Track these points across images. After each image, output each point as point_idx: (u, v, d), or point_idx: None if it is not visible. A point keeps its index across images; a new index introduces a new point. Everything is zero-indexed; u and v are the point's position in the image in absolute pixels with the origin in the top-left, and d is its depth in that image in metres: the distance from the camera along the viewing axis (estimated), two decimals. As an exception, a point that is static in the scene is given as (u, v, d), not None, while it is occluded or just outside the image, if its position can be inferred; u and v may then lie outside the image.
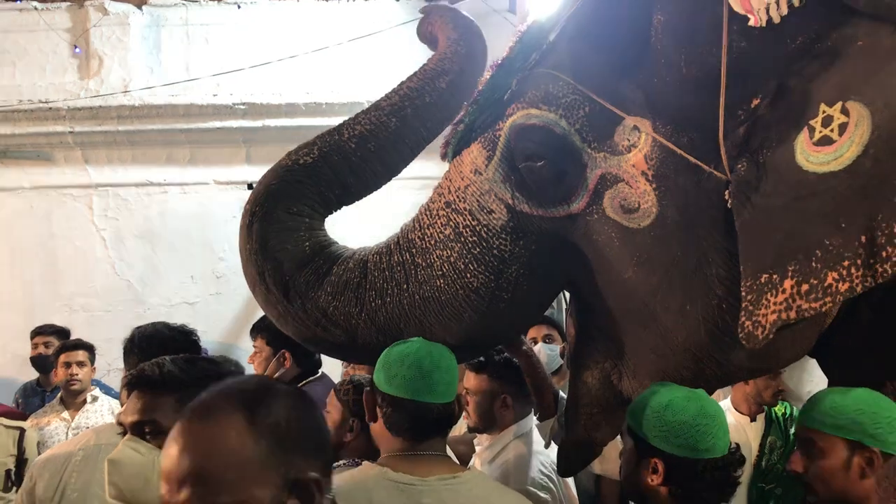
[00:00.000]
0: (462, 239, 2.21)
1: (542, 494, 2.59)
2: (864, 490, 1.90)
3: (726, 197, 1.90)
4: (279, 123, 5.55)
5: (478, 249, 2.19)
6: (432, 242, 2.24)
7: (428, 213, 2.30)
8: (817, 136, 1.76)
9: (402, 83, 2.31)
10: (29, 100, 5.50)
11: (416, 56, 2.43)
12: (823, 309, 1.70)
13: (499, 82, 2.21)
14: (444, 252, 2.22)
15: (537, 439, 2.72)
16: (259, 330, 3.44)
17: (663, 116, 2.01)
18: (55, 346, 4.60)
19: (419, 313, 2.20)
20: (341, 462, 2.54)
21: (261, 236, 2.22)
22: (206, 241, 5.62)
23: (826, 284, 1.70)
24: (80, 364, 4.30)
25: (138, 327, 2.78)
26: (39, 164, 5.66)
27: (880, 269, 1.64)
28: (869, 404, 1.95)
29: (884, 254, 1.64)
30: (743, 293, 1.83)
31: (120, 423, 1.75)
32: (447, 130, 2.30)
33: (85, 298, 5.59)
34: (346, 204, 2.36)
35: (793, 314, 1.74)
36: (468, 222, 2.22)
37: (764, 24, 1.83)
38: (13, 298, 5.57)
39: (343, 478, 2.40)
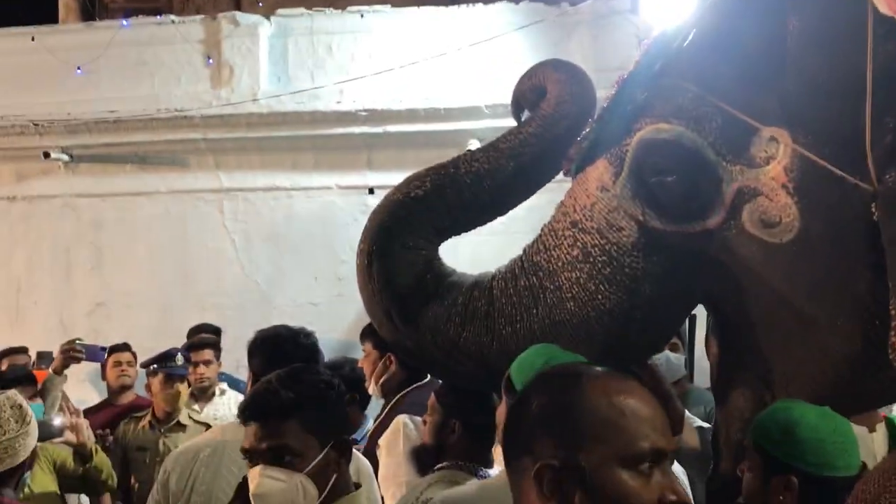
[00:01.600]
0: (591, 259, 2.14)
1: None
2: None
3: (873, 210, 1.79)
4: (399, 129, 5.65)
5: (608, 269, 2.12)
6: (559, 264, 2.19)
7: (553, 233, 2.23)
8: None
9: (522, 126, 2.28)
10: (165, 108, 5.79)
11: (534, 60, 2.42)
12: None
13: (625, 96, 2.14)
14: (573, 274, 2.16)
15: None
16: (366, 335, 3.51)
17: (802, 126, 1.91)
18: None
19: (550, 338, 2.13)
20: (445, 463, 2.58)
21: (382, 275, 2.23)
22: (328, 244, 5.77)
23: None
24: (207, 363, 4.51)
25: (260, 330, 2.87)
26: (174, 170, 5.96)
27: None
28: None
29: None
30: (892, 311, 1.72)
31: (245, 451, 1.79)
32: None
33: (216, 298, 5.83)
34: (455, 235, 2.36)
35: None
36: (597, 241, 2.14)
37: None
38: (149, 298, 5.87)
39: (483, 485, 2.42)
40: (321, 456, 1.74)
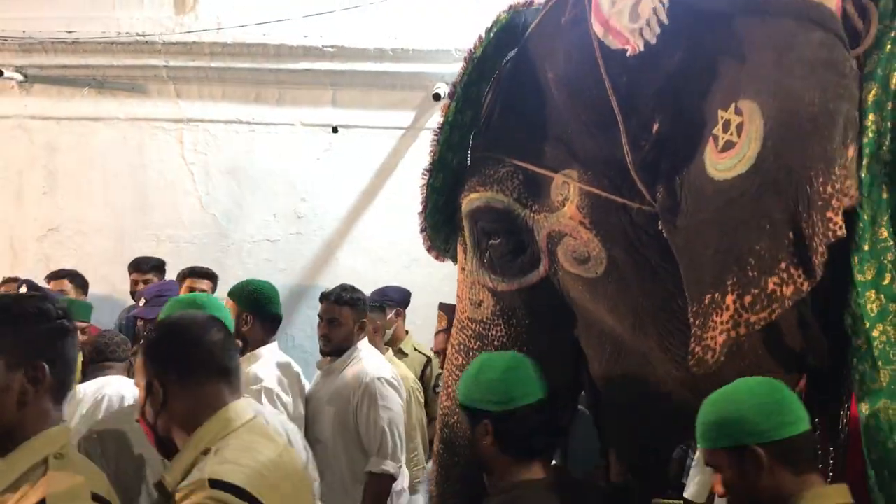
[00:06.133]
0: (469, 353, 2.30)
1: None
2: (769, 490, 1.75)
3: (659, 227, 1.88)
4: (366, 68, 5.56)
5: (485, 352, 2.23)
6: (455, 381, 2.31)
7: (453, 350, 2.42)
8: (721, 142, 1.73)
9: None
10: (126, 32, 5.61)
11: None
12: (773, 317, 1.64)
13: (439, 182, 2.33)
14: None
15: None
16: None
17: (584, 164, 2.04)
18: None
19: None
20: None
21: None
22: (289, 181, 5.70)
23: (769, 291, 1.62)
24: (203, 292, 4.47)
25: None
26: (133, 96, 5.80)
27: (816, 262, 1.56)
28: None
29: (814, 245, 1.56)
30: (691, 319, 1.78)
31: None
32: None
33: (172, 230, 5.75)
34: None
35: (742, 330, 1.67)
36: (470, 330, 2.31)
37: (642, 49, 1.83)
38: (104, 225, 5.77)
39: None
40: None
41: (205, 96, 5.77)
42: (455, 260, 2.44)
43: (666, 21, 1.80)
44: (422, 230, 2.42)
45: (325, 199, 5.68)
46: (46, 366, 1.65)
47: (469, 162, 2.33)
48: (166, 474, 1.76)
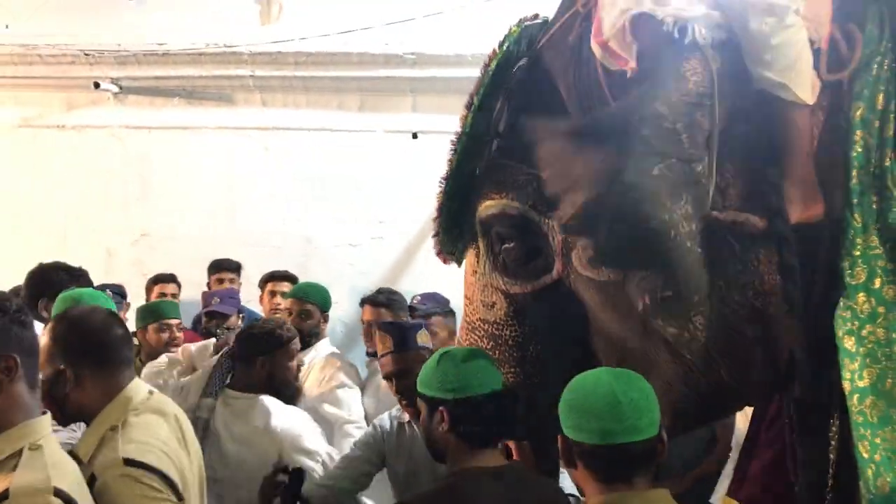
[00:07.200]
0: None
1: None
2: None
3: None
4: (446, 74, 5.61)
5: (497, 352, 2.32)
6: None
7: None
8: None
9: None
10: (214, 44, 5.80)
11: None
12: None
13: (455, 187, 2.36)
14: None
15: None
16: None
17: None
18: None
19: None
20: None
21: None
22: (371, 187, 5.80)
23: None
24: (284, 294, 4.64)
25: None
26: (221, 106, 5.99)
27: None
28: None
29: None
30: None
31: None
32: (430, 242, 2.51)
33: (257, 234, 5.89)
34: None
35: None
36: (482, 331, 2.37)
37: (636, 69, 1.97)
38: (193, 230, 5.96)
39: None
40: None
41: (289, 104, 5.92)
42: (460, 263, 2.51)
43: (633, 38, 1.96)
44: (434, 235, 2.48)
45: (405, 203, 5.75)
46: (17, 357, 1.77)
47: (485, 169, 2.40)
48: (79, 446, 2.06)
